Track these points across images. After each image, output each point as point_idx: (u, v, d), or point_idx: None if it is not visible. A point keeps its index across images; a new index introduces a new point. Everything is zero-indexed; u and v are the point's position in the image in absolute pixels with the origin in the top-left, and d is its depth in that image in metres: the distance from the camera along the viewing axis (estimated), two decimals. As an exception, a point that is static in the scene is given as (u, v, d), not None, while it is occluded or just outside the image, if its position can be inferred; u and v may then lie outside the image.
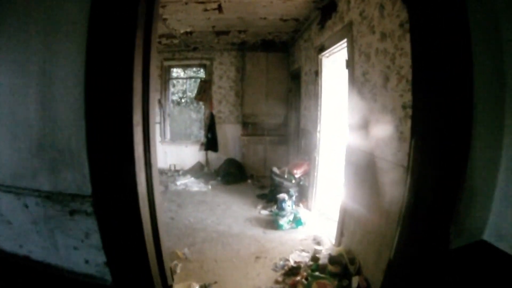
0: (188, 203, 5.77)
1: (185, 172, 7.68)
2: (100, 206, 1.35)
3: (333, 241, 3.95)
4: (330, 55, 4.40)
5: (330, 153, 4.81)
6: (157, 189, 1.48)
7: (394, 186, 2.47)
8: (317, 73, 4.71)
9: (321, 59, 4.58)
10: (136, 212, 1.26)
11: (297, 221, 4.51)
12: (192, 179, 7.10)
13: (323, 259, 3.49)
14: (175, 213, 5.28)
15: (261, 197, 5.86)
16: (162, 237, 1.69)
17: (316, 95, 4.78)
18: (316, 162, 4.82)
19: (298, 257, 3.75)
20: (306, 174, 5.26)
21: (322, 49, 4.42)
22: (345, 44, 3.53)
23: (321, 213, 4.96)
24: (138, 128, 1.22)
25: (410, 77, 2.24)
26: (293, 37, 6.35)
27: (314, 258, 3.59)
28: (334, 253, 3.53)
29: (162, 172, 7.78)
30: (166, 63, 7.91)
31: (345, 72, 3.50)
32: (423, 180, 1.38)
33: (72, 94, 1.32)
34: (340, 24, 3.74)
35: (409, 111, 2.26)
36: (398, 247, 1.61)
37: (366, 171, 3.01)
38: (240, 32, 6.08)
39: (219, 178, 7.11)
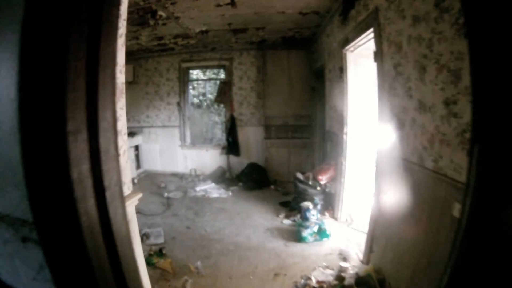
0: (207, 210, 5.46)
1: (206, 177, 7.40)
2: (44, 236, 1.04)
3: (361, 257, 3.51)
4: (355, 48, 3.97)
5: (359, 157, 4.36)
6: (121, 217, 1.13)
7: (438, 201, 2.03)
8: (341, 70, 4.29)
9: (345, 54, 4.15)
10: (83, 250, 0.93)
11: (322, 233, 4.09)
12: (212, 184, 6.81)
13: (349, 279, 3.08)
14: (191, 222, 4.98)
15: (284, 204, 5.46)
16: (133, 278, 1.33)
17: (341, 94, 4.36)
18: (343, 168, 4.38)
19: (322, 275, 3.33)
20: (332, 180, 4.82)
21: (346, 42, 4.00)
22: (372, 35, 3.11)
23: (348, 223, 4.51)
24: (80, 137, 0.88)
25: (452, 66, 1.82)
26: (315, 33, 5.94)
27: (339, 278, 3.17)
28: (361, 272, 3.10)
29: (182, 177, 7.57)
30: (184, 65, 7.68)
31: (373, 66, 3.07)
32: (491, 203, 0.97)
33: (7, 90, 1.01)
34: (364, 12, 3.31)
35: (454, 108, 1.83)
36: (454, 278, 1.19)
37: (400, 179, 2.57)
38: (258, 29, 5.73)
39: (240, 184, 6.78)
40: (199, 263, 3.62)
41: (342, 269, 3.33)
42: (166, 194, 6.23)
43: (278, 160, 6.93)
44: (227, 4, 4.36)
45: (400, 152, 2.57)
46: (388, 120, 2.78)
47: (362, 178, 4.38)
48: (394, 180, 2.70)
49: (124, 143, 2.09)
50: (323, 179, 4.81)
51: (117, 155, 1.08)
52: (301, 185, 5.04)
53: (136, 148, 7.83)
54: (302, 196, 4.94)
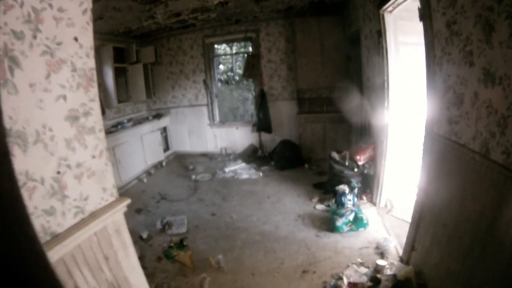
0: (234, 194, 5.15)
1: (237, 156, 7.07)
2: None
3: (401, 253, 3.03)
4: (394, 8, 3.32)
5: (403, 136, 3.78)
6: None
7: (508, 206, 1.51)
8: (380, 34, 3.65)
9: (383, 15, 3.50)
10: None
11: (358, 222, 3.62)
12: (243, 164, 6.46)
13: (385, 282, 2.64)
14: (217, 208, 4.69)
15: (318, 186, 5.01)
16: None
17: (381, 62, 3.74)
18: (384, 147, 3.83)
19: (355, 274, 2.90)
20: (372, 160, 4.28)
21: (382, 1, 3.34)
22: (416, -14, 2.47)
23: (388, 210, 4.00)
24: None
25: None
26: None
27: (375, 279, 2.74)
28: (400, 275, 2.64)
29: (211, 157, 7.30)
30: (207, 40, 7.21)
31: (417, 29, 2.47)
32: None
33: None
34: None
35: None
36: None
37: (455, 170, 2.04)
38: (283, -7, 5.11)
39: (272, 163, 6.38)
40: (220, 256, 3.31)
41: (378, 268, 2.88)
42: (193, 177, 5.98)
43: (313, 137, 6.40)
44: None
45: (457, 136, 2.02)
46: (440, 94, 2.21)
47: (406, 159, 3.82)
48: (447, 168, 2.16)
49: (99, 142, 1.74)
50: (361, 159, 4.27)
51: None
52: (336, 166, 4.54)
53: (164, 129, 7.62)
54: (338, 178, 4.46)
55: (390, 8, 3.36)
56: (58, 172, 1.50)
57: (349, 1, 5.29)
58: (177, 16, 5.82)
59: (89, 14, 1.74)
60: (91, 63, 1.75)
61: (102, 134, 1.80)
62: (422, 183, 2.62)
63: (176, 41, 7.38)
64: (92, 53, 1.75)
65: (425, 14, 2.24)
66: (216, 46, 7.81)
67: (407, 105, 3.71)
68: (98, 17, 4.99)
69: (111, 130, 5.96)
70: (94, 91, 1.76)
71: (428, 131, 2.47)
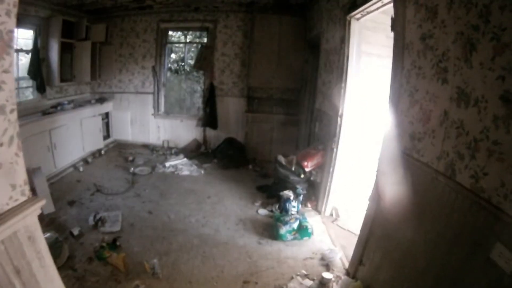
0: (174, 191, 4.82)
1: (179, 151, 6.70)
2: None
3: (347, 265, 2.97)
4: (362, 15, 3.26)
5: (354, 145, 3.77)
6: None
7: (469, 231, 1.46)
8: (343, 40, 3.59)
9: (349, 21, 3.44)
10: None
11: (302, 231, 3.52)
12: (185, 160, 6.12)
13: (332, 297, 2.54)
14: (155, 205, 4.35)
15: (262, 189, 4.86)
16: None
17: (340, 68, 3.68)
18: (334, 155, 3.78)
19: (299, 287, 2.79)
20: (319, 167, 4.22)
21: (352, 7, 3.27)
22: (391, -3, 2.39)
23: (333, 219, 3.97)
24: None
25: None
26: None
27: (321, 293, 2.63)
28: (347, 290, 2.56)
29: (153, 149, 6.85)
30: (162, 25, 6.74)
31: (383, 39, 2.41)
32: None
33: None
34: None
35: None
36: None
37: (415, 188, 1.98)
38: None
39: (215, 161, 6.13)
40: (156, 261, 3.01)
41: (324, 281, 2.79)
42: (132, 170, 5.53)
43: (259, 137, 6.25)
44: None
45: (419, 154, 1.95)
46: (405, 107, 2.14)
47: (355, 170, 3.81)
48: (405, 184, 2.09)
49: (10, 126, 1.39)
50: (308, 165, 4.19)
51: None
52: (282, 170, 4.43)
53: (106, 115, 7.00)
54: (283, 183, 4.36)
55: (358, 15, 3.29)
56: None
57: (314, 4, 5.21)
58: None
59: None
60: (12, 24, 1.36)
61: (14, 116, 1.40)
62: (374, 196, 2.56)
63: (131, 22, 6.81)
64: (14, 11, 1.36)
65: (399, 24, 2.16)
66: (170, 32, 7.37)
67: (362, 114, 3.70)
68: None
69: (49, 111, 5.33)
70: (10, 59, 1.36)
71: (386, 144, 2.41)
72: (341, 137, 3.68)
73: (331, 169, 3.83)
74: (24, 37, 5.47)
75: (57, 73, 5.70)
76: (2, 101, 1.35)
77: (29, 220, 1.48)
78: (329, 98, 4.10)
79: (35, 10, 5.25)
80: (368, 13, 3.09)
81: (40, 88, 5.52)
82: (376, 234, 2.53)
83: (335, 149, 3.73)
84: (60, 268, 2.94)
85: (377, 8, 2.87)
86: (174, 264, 3.08)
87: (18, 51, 5.29)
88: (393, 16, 2.27)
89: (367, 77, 3.61)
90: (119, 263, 2.98)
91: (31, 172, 4.29)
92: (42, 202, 1.54)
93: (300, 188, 4.15)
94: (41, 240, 1.56)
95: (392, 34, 2.30)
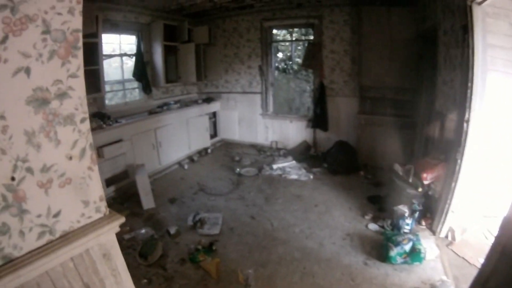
0: (280, 196, 4.70)
1: (287, 153, 6.58)
2: None
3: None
4: (484, -1, 2.57)
5: (483, 156, 3.04)
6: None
7: None
8: (465, 30, 2.93)
9: (471, 7, 2.77)
10: None
11: (414, 255, 3.01)
12: (293, 162, 5.96)
13: None
14: (258, 210, 4.28)
15: (373, 200, 4.39)
16: None
17: (464, 64, 3.00)
18: (457, 167, 3.11)
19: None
20: (438, 181, 3.53)
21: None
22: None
23: (448, 242, 3.31)
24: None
25: None
26: None
27: None
28: None
29: (260, 149, 6.89)
30: (266, 24, 6.70)
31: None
32: None
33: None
34: None
35: None
36: None
37: None
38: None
39: (325, 165, 5.79)
40: (251, 271, 2.93)
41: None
42: (237, 170, 5.59)
43: (372, 141, 5.68)
44: None
45: None
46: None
47: (482, 186, 3.08)
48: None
49: (81, 137, 1.33)
50: (427, 178, 3.55)
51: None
52: (398, 182, 3.89)
53: (214, 115, 7.32)
54: (397, 195, 3.82)
55: (480, -1, 2.61)
56: (13, 178, 1.12)
57: None
58: (232, -6, 5.39)
59: None
60: (77, 23, 1.27)
61: (86, 126, 1.34)
62: (509, 221, 1.91)
63: (232, 22, 7.01)
64: (79, 8, 1.28)
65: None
66: (274, 31, 7.30)
67: (493, 118, 2.95)
68: None
69: (156, 111, 5.83)
70: (77, 63, 1.28)
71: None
72: (466, 146, 2.98)
73: (452, 184, 3.17)
74: (128, 42, 6.03)
75: (162, 74, 6.15)
76: (70, 109, 1.29)
77: (105, 238, 1.44)
78: (452, 99, 3.41)
79: (135, 17, 5.70)
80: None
81: (146, 89, 6.03)
82: (502, 273, 1.88)
83: (459, 161, 3.07)
84: (150, 266, 3.06)
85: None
86: (270, 278, 2.94)
87: (122, 55, 5.92)
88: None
89: (495, 74, 2.85)
90: (212, 269, 2.97)
91: (135, 168, 4.65)
92: (120, 220, 1.50)
93: (416, 204, 3.56)
94: (118, 257, 1.53)
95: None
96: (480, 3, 2.75)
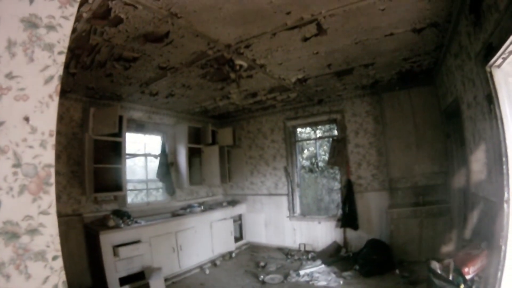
0: (304, 306, 4.10)
1: (316, 255, 6.02)
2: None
3: None
4: (505, 59, 2.45)
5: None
6: None
7: None
8: (490, 99, 2.74)
9: (491, 72, 2.64)
10: None
11: None
12: (322, 267, 5.39)
13: None
14: (280, 323, 3.71)
15: (412, 304, 3.71)
16: None
17: (495, 138, 2.76)
18: (502, 254, 2.61)
19: None
20: (482, 271, 2.99)
21: (489, 53, 2.53)
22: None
23: None
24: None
25: None
26: (437, 59, 4.45)
27: None
28: None
29: (288, 253, 6.38)
30: (289, 123, 6.87)
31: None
32: None
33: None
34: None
35: None
36: None
37: None
38: (366, 66, 4.56)
39: (356, 267, 5.16)
40: None
41: None
42: (261, 277, 5.11)
43: (406, 235, 5.09)
44: (316, 35, 3.43)
45: None
46: None
47: None
48: None
49: (53, 275, 1.28)
50: (470, 272, 3.01)
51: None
52: (437, 281, 3.30)
53: (239, 217, 7.12)
54: (438, 296, 3.21)
55: (499, 61, 2.50)
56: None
57: (440, 66, 4.46)
58: (253, 97, 5.70)
59: (55, 84, 1.31)
60: (49, 157, 1.26)
61: (58, 263, 1.28)
62: None
63: (256, 123, 7.25)
64: (52, 142, 1.27)
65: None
66: (299, 129, 7.42)
67: None
68: (169, 94, 5.13)
69: (178, 213, 5.75)
70: (49, 199, 1.25)
71: None
72: (510, 230, 2.56)
73: (498, 274, 2.62)
74: (154, 142, 6.28)
75: (186, 176, 6.16)
76: (41, 246, 1.24)
77: None
78: (487, 178, 3.07)
79: (160, 118, 6.04)
80: (510, 53, 2.30)
81: (169, 190, 6.01)
82: None
83: (503, 247, 2.59)
84: None
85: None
86: None
87: (146, 155, 6.08)
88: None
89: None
90: None
91: (151, 272, 4.39)
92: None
93: (460, 304, 2.96)
94: None
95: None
96: (499, 65, 2.57)
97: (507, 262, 2.58)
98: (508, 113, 2.63)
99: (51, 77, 1.29)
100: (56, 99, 1.30)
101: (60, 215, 4.18)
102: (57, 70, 1.31)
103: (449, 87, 4.26)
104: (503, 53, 2.37)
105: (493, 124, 2.77)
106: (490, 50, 2.49)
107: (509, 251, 2.59)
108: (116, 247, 4.42)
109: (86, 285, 4.48)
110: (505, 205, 2.62)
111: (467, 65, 3.20)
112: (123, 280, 4.48)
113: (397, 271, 4.76)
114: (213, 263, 5.89)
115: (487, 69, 2.65)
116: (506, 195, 2.62)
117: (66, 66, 3.54)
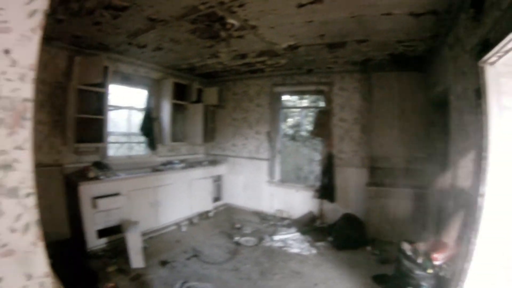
0: (277, 271, 4.27)
1: (292, 223, 6.21)
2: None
3: None
4: (499, 57, 2.42)
5: (501, 235, 2.66)
6: None
7: None
8: (479, 93, 2.72)
9: (483, 68, 2.61)
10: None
11: None
12: (297, 234, 5.59)
13: None
14: (251, 285, 3.88)
15: (379, 280, 3.89)
16: None
17: (478, 131, 2.77)
18: (471, 247, 2.72)
19: None
20: (451, 260, 3.14)
21: (484, 49, 2.48)
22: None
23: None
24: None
25: None
26: (432, 47, 4.40)
27: None
28: None
29: (264, 217, 6.55)
30: (275, 89, 6.78)
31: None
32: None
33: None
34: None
35: None
36: None
37: None
38: (359, 42, 4.45)
39: (330, 239, 5.35)
40: None
41: None
42: (236, 239, 5.26)
43: (381, 214, 5.27)
44: (311, 2, 3.27)
45: None
46: None
47: (501, 269, 2.67)
48: None
49: (26, 212, 1.25)
50: (439, 258, 3.15)
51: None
52: (406, 262, 3.46)
53: (219, 178, 7.20)
54: (405, 277, 3.37)
55: (493, 59, 2.47)
56: None
57: (434, 55, 4.43)
58: (242, 58, 5.55)
59: (39, 18, 1.26)
60: (27, 91, 1.22)
61: (31, 201, 1.26)
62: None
63: (243, 85, 7.14)
64: (31, 76, 1.22)
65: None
66: (285, 97, 7.35)
67: None
68: (156, 48, 4.98)
69: (159, 168, 5.77)
70: (25, 134, 1.22)
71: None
72: (481, 224, 2.64)
73: (465, 264, 2.75)
74: (139, 96, 6.16)
75: (169, 132, 6.16)
76: (14, 182, 1.22)
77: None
78: (465, 171, 3.13)
79: (146, 72, 5.88)
80: (505, 52, 2.27)
81: (152, 145, 5.99)
82: None
83: (472, 239, 2.69)
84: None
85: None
86: None
87: (130, 108, 6.00)
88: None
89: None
90: None
91: (127, 225, 4.45)
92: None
93: (425, 286, 3.12)
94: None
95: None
96: (493, 63, 2.55)
97: (474, 256, 2.69)
98: (494, 110, 2.64)
99: (35, 11, 1.24)
100: (40, 33, 1.27)
101: (40, 165, 4.13)
102: (42, 3, 1.26)
103: (440, 76, 4.23)
104: (498, 51, 2.33)
105: (478, 118, 2.77)
106: (486, 46, 2.45)
107: (478, 244, 2.69)
108: (95, 198, 4.46)
109: (64, 236, 4.51)
110: (480, 199, 2.69)
111: (461, 57, 3.17)
112: (101, 233, 4.56)
113: (369, 248, 4.97)
114: (190, 221, 6.00)
115: (480, 64, 2.62)
116: (481, 189, 2.68)
117: (54, 11, 3.36)
